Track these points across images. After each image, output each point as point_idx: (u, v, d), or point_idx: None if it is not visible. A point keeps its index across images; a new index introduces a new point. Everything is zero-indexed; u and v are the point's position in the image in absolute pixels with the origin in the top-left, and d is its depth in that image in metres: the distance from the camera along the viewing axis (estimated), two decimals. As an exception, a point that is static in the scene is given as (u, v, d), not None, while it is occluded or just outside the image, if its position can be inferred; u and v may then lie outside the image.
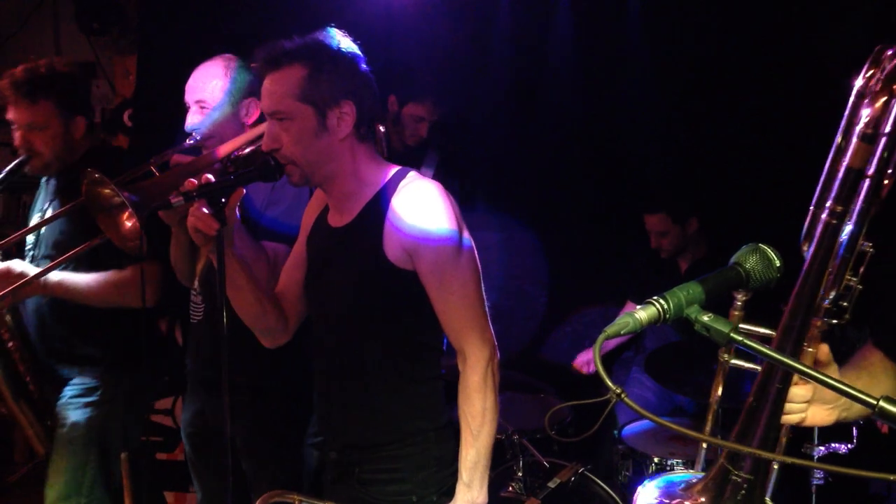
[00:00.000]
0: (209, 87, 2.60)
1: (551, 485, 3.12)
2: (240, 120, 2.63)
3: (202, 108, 2.60)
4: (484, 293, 2.08)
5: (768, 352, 1.14)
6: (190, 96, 2.63)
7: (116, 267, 2.83)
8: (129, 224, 2.09)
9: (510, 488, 3.17)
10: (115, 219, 2.12)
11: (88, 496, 2.92)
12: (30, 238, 3.01)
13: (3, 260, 2.80)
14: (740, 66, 4.14)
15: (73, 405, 2.96)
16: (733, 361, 1.49)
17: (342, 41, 2.08)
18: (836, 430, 2.99)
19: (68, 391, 2.99)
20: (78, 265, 2.84)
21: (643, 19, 4.32)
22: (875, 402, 1.06)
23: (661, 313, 1.14)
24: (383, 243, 2.01)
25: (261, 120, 2.57)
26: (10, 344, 3.00)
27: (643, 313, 1.13)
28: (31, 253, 3.00)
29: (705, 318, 1.15)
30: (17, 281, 2.70)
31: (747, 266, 1.24)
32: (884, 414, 1.07)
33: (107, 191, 2.09)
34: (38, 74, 2.86)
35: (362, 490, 2.10)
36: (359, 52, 2.10)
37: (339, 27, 2.12)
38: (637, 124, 4.41)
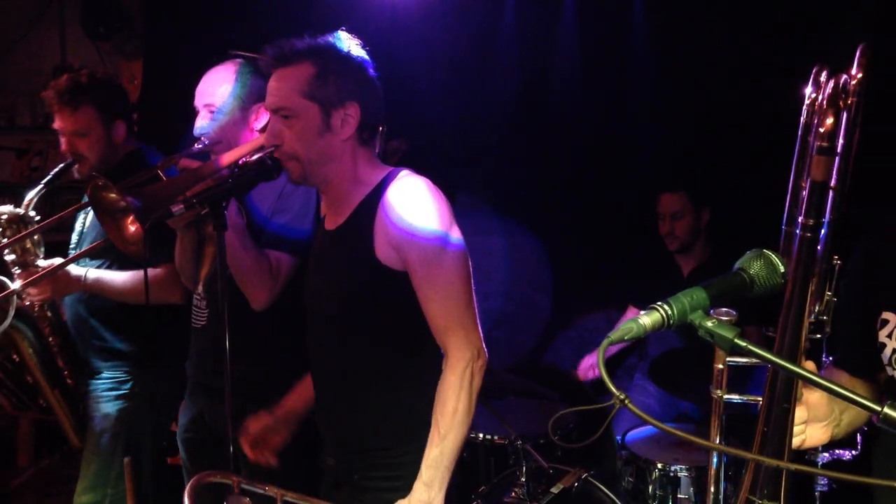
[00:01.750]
0: (219, 91, 2.60)
1: (554, 490, 3.11)
2: (249, 125, 2.63)
3: (211, 112, 2.60)
4: (474, 294, 2.04)
5: (773, 358, 1.13)
6: (199, 100, 2.63)
7: (152, 265, 2.93)
8: (132, 228, 2.11)
9: (513, 494, 3.16)
10: (119, 223, 2.13)
11: (115, 487, 3.05)
12: (73, 238, 3.21)
13: (45, 258, 2.99)
14: (744, 69, 4.13)
15: (105, 398, 3.11)
16: (727, 397, 1.50)
17: (352, 45, 2.10)
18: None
19: (100, 384, 3.13)
20: (115, 263, 3.01)
21: (648, 22, 4.32)
22: (879, 410, 1.06)
23: (665, 319, 1.13)
24: (374, 244, 2.01)
25: (271, 125, 2.57)
26: (51, 339, 3.14)
27: (647, 319, 1.13)
28: (73, 252, 3.13)
29: (709, 324, 1.14)
30: (62, 278, 2.90)
31: (751, 272, 1.23)
32: (888, 420, 1.07)
33: (112, 195, 2.10)
34: (79, 83, 3.01)
35: (360, 497, 2.09)
36: (367, 57, 2.11)
37: (343, 28, 2.14)
38: (642, 129, 4.41)
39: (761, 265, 1.24)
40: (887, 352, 1.73)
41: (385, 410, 2.09)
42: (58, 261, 2.95)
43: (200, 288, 2.70)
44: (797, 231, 1.36)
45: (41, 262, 2.95)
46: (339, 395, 2.16)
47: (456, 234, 2.03)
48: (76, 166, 3.09)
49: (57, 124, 3.05)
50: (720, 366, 1.43)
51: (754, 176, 4.18)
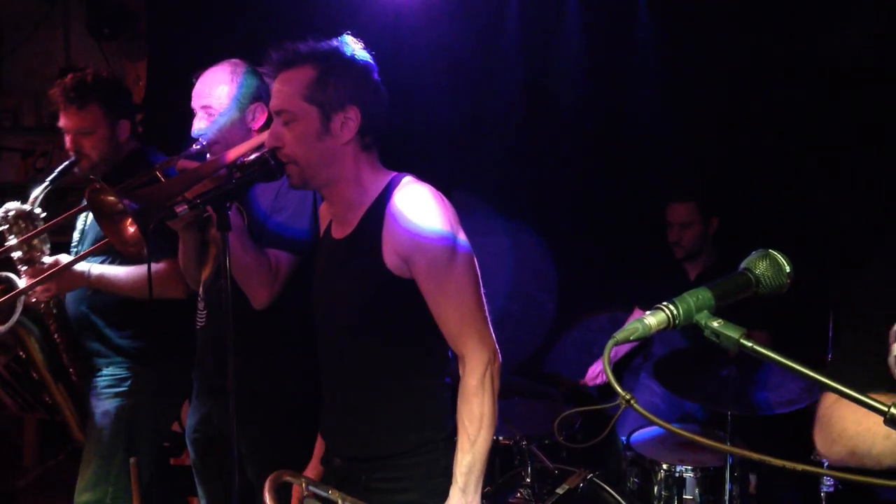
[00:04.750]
0: (216, 92, 2.60)
1: (560, 491, 3.10)
2: (246, 125, 2.63)
3: (209, 113, 2.60)
4: (483, 296, 2.05)
5: (778, 357, 1.13)
6: (196, 101, 2.63)
7: (154, 260, 2.93)
8: (131, 230, 2.10)
9: (518, 494, 3.16)
10: (118, 225, 2.13)
11: (115, 484, 3.05)
12: (75, 236, 3.24)
13: (51, 255, 3.01)
14: (749, 68, 4.12)
15: (105, 395, 3.11)
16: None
17: (356, 49, 2.09)
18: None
19: (100, 381, 3.13)
20: (117, 259, 3.04)
21: (653, 21, 4.31)
22: (886, 410, 1.05)
23: (671, 319, 1.13)
24: (382, 253, 2.01)
25: (267, 125, 2.57)
26: (56, 336, 3.16)
27: (652, 319, 1.12)
28: (74, 250, 3.19)
29: (715, 325, 1.13)
30: (67, 275, 2.92)
31: (757, 272, 1.22)
32: (894, 420, 1.06)
33: (109, 198, 2.10)
34: (84, 81, 3.05)
35: (367, 497, 2.08)
36: (372, 61, 2.10)
37: (347, 32, 2.13)
38: (647, 129, 4.40)
39: (767, 265, 1.23)
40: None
41: (393, 416, 2.09)
42: (62, 257, 2.97)
43: (201, 290, 2.71)
44: None
45: (46, 259, 2.97)
46: (347, 401, 2.16)
47: (462, 240, 2.03)
48: (80, 164, 3.11)
49: (62, 122, 3.08)
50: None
51: (761, 179, 4.17)
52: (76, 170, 3.12)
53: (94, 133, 3.07)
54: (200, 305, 2.70)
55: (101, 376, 3.14)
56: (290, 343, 2.56)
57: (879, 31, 3.66)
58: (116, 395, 3.12)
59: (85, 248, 3.10)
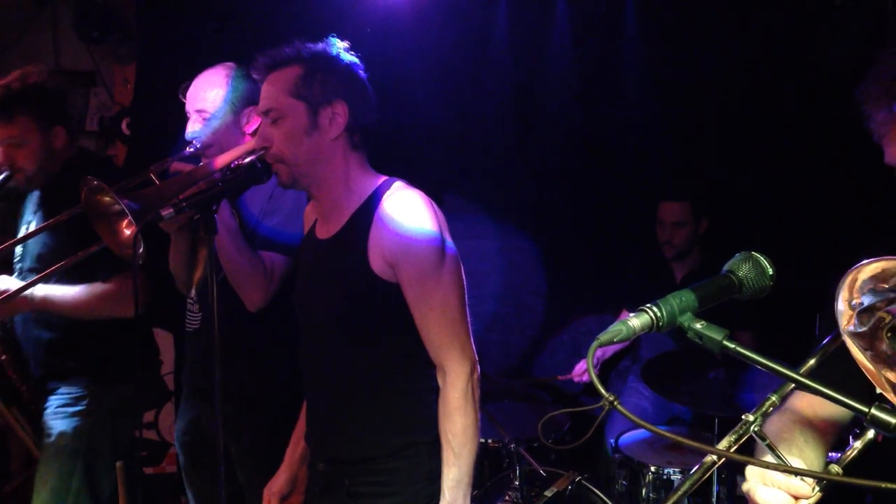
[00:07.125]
0: (210, 95, 2.61)
1: (548, 494, 3.12)
2: (240, 128, 2.64)
3: (203, 117, 2.60)
4: (467, 307, 2.05)
5: (760, 359, 1.14)
6: (190, 105, 2.64)
7: (101, 279, 2.81)
8: (128, 232, 2.10)
9: (507, 497, 3.16)
10: (114, 226, 2.13)
11: None
12: (17, 250, 3.01)
13: None
14: (738, 74, 4.15)
15: (60, 415, 2.93)
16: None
17: (341, 48, 2.11)
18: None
19: (54, 401, 2.95)
20: (63, 278, 2.81)
21: (640, 27, 4.33)
22: (867, 411, 1.06)
23: (654, 321, 1.14)
24: (368, 255, 2.00)
25: (261, 129, 2.58)
26: (3, 357, 3.01)
27: (636, 321, 1.13)
28: (17, 266, 3.00)
29: (698, 326, 1.14)
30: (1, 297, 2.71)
31: (740, 274, 1.24)
32: (875, 421, 1.07)
33: (106, 198, 2.10)
34: (10, 90, 2.83)
35: (351, 502, 2.09)
36: (357, 60, 2.12)
37: (337, 35, 2.15)
38: (635, 132, 4.43)
39: (750, 268, 1.24)
40: None
41: (377, 419, 2.08)
42: (7, 280, 2.80)
43: (193, 292, 2.70)
44: None
45: None
46: (330, 404, 2.15)
47: (450, 248, 2.03)
48: (14, 178, 2.88)
49: None
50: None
51: (748, 182, 4.20)
52: (11, 183, 2.90)
53: (26, 145, 2.85)
54: (194, 308, 2.69)
55: (56, 395, 2.96)
56: (283, 346, 2.57)
57: (869, 34, 3.68)
58: (73, 414, 2.93)
59: (27, 265, 2.94)
